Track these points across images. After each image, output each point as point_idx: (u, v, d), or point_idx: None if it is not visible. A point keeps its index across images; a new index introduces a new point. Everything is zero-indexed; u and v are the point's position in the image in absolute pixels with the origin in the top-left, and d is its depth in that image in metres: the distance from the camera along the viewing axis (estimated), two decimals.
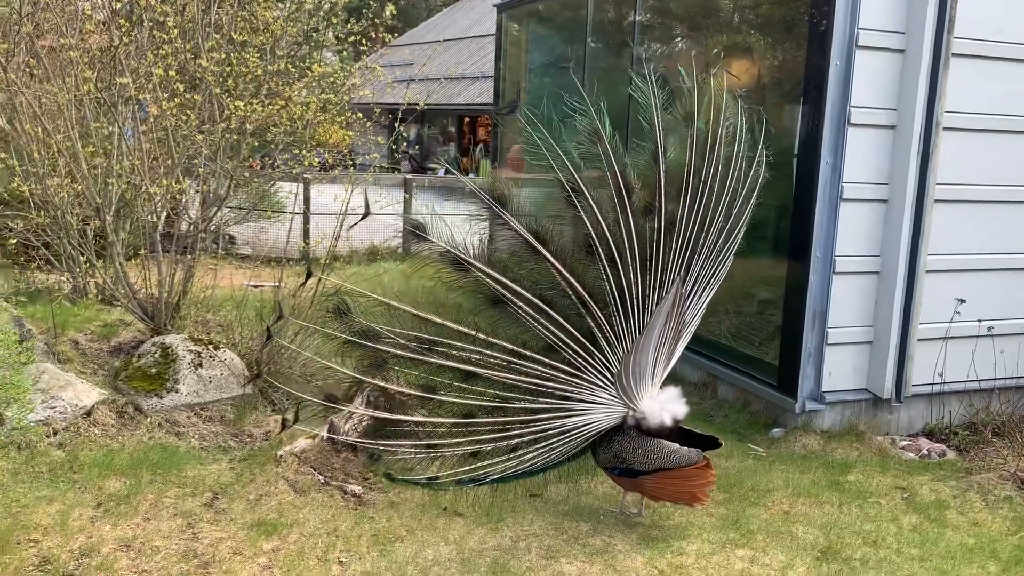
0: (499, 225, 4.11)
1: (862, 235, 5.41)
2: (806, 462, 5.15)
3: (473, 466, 4.05)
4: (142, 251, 5.88)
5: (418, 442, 4.09)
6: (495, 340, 4.05)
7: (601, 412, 4.09)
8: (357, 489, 4.34)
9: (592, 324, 4.08)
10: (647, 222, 4.18)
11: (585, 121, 4.26)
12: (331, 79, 6.53)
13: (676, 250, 4.16)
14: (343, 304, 4.09)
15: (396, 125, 6.31)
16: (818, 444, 5.40)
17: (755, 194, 4.43)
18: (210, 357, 5.24)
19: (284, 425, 4.40)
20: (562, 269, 4.05)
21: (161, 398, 5.00)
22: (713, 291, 4.36)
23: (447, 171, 22.53)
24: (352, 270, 9.51)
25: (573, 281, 4.05)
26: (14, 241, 5.87)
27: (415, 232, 4.11)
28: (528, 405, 4.05)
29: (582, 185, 4.13)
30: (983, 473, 4.99)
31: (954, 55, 5.19)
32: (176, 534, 3.83)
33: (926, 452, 5.38)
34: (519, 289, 4.05)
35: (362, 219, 4.22)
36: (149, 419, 4.88)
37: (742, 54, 6.48)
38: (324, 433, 4.45)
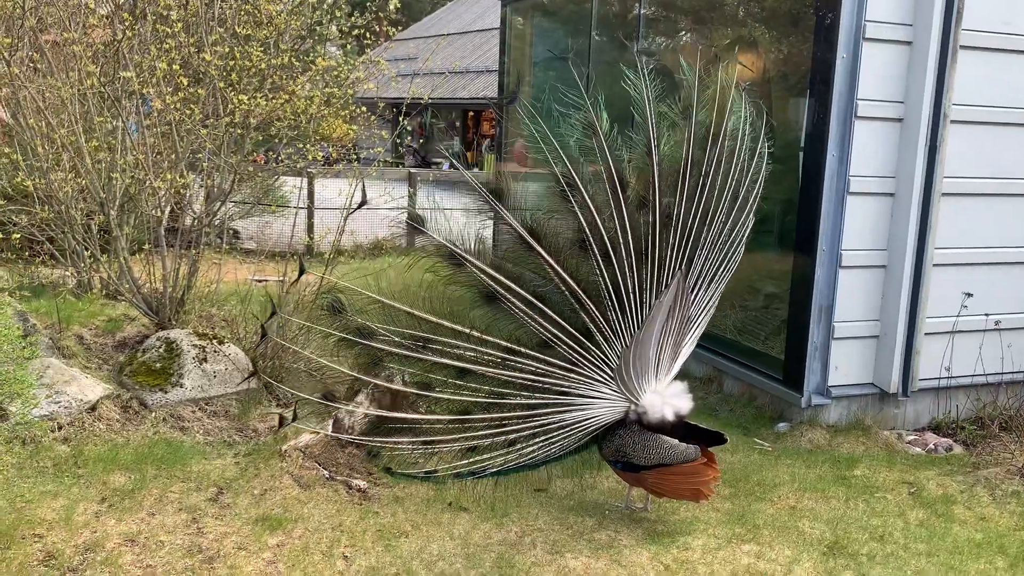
0: (494, 219, 4.10)
1: (869, 229, 5.38)
2: (812, 457, 5.13)
3: (471, 460, 4.06)
4: (146, 246, 5.87)
5: (415, 439, 4.09)
6: (489, 337, 4.04)
7: (602, 407, 4.07)
8: (362, 484, 4.33)
9: (587, 319, 4.06)
10: (642, 216, 4.15)
11: (581, 115, 4.23)
12: (335, 73, 6.51)
13: (676, 244, 4.13)
14: (338, 302, 4.09)
15: (400, 119, 6.30)
16: (824, 439, 5.38)
17: (760, 187, 4.40)
18: (214, 352, 5.23)
19: (281, 423, 4.40)
20: (555, 264, 4.03)
21: (166, 393, 5.00)
22: (722, 286, 4.33)
23: (451, 165, 22.53)
24: (355, 265, 9.50)
25: (566, 276, 4.04)
26: (18, 236, 5.86)
27: (413, 225, 4.10)
28: (524, 401, 4.04)
29: (576, 179, 4.11)
30: (990, 468, 4.97)
31: (962, 47, 5.16)
32: (181, 529, 3.83)
33: (933, 447, 5.36)
34: (512, 285, 4.04)
35: (358, 208, 4.21)
36: (154, 414, 4.88)
37: (748, 47, 6.45)
38: (320, 430, 4.45)
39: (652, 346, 4.06)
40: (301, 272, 4.42)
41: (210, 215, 6.06)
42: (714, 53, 6.29)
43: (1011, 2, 5.34)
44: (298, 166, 6.59)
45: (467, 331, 4.02)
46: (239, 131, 5.87)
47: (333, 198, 6.53)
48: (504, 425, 4.04)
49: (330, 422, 4.51)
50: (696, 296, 4.23)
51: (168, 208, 5.88)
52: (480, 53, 24.01)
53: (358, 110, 6.57)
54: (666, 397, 4.07)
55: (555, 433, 4.06)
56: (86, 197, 5.70)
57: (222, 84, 5.68)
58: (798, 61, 5.90)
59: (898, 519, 4.37)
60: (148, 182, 5.53)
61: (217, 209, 6.11)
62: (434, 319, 4.03)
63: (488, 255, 4.07)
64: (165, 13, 5.72)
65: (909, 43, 5.22)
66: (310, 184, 11.25)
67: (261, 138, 6.60)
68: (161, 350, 5.18)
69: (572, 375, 4.05)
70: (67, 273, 6.49)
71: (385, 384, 4.16)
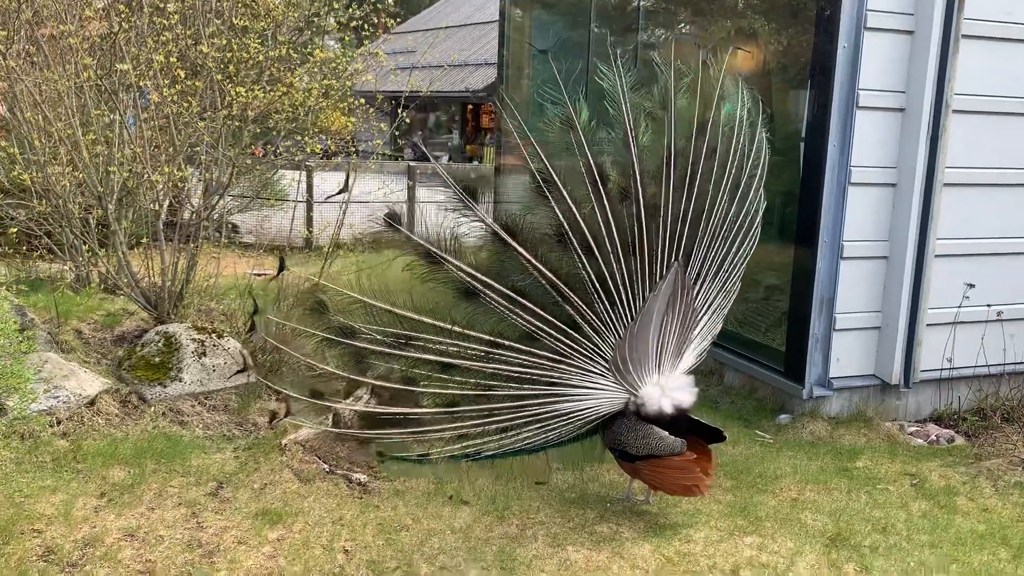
0: (468, 216, 4.07)
1: (870, 220, 5.36)
2: (814, 448, 5.12)
3: (463, 444, 4.04)
4: (145, 240, 5.85)
5: (404, 429, 4.08)
6: (471, 332, 4.02)
7: (599, 397, 4.05)
8: (362, 478, 4.32)
9: (573, 312, 4.04)
10: (626, 208, 4.12)
11: (559, 109, 4.20)
12: (333, 65, 6.48)
13: (668, 235, 4.10)
14: (320, 303, 4.07)
15: (399, 112, 6.27)
16: (826, 430, 5.37)
17: (762, 176, 4.36)
18: (213, 346, 5.21)
19: (273, 419, 4.38)
20: (532, 259, 4.01)
21: (165, 387, 4.98)
22: (734, 278, 4.30)
23: (450, 158, 22.48)
24: (354, 258, 9.47)
25: (545, 270, 4.02)
26: (16, 230, 5.84)
27: (389, 223, 4.08)
28: (513, 392, 4.03)
29: (553, 174, 4.08)
30: (992, 459, 4.96)
31: (964, 36, 5.13)
32: (180, 523, 3.81)
33: (935, 438, 5.34)
34: (489, 281, 4.02)
35: (338, 194, 4.17)
36: (153, 408, 4.86)
37: (747, 38, 6.42)
38: (311, 425, 4.41)
39: (651, 338, 4.03)
40: (281, 268, 4.38)
41: (208, 209, 6.03)
42: (696, 44, 6.25)
43: None
44: (296, 159, 6.56)
45: (448, 327, 4.00)
46: (237, 124, 5.84)
47: (332, 191, 6.50)
48: (494, 414, 4.03)
49: (330, 417, 4.49)
50: (702, 288, 4.20)
51: (166, 202, 5.86)
52: (479, 46, 23.95)
53: (356, 102, 6.54)
54: (667, 389, 4.04)
55: (550, 422, 4.04)
56: (84, 191, 5.68)
57: (219, 76, 5.65)
58: (799, 51, 5.87)
59: (900, 511, 4.35)
60: (146, 176, 5.51)
61: (215, 203, 6.09)
62: (415, 316, 4.01)
63: (462, 252, 4.04)
64: (162, 5, 5.68)
65: (911, 32, 5.19)
66: (309, 177, 11.22)
67: (259, 131, 6.57)
68: (160, 344, 5.17)
69: (562, 366, 4.03)
70: (65, 267, 6.46)
71: (371, 381, 4.13)
